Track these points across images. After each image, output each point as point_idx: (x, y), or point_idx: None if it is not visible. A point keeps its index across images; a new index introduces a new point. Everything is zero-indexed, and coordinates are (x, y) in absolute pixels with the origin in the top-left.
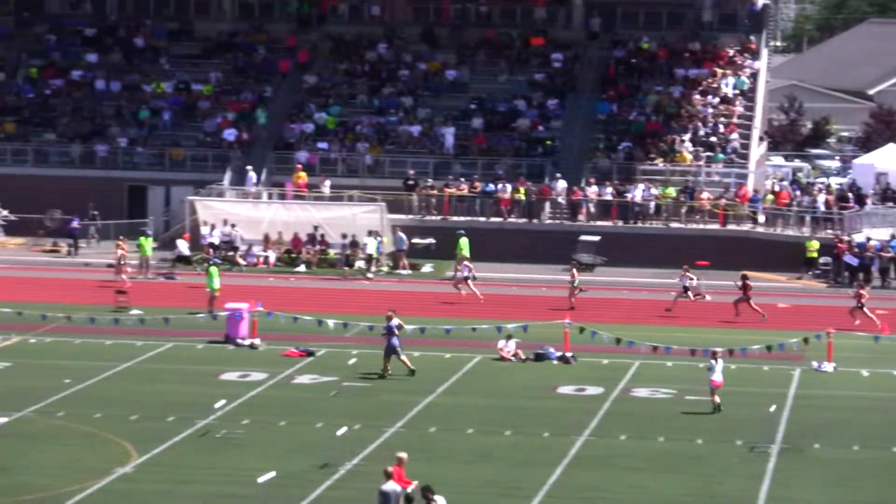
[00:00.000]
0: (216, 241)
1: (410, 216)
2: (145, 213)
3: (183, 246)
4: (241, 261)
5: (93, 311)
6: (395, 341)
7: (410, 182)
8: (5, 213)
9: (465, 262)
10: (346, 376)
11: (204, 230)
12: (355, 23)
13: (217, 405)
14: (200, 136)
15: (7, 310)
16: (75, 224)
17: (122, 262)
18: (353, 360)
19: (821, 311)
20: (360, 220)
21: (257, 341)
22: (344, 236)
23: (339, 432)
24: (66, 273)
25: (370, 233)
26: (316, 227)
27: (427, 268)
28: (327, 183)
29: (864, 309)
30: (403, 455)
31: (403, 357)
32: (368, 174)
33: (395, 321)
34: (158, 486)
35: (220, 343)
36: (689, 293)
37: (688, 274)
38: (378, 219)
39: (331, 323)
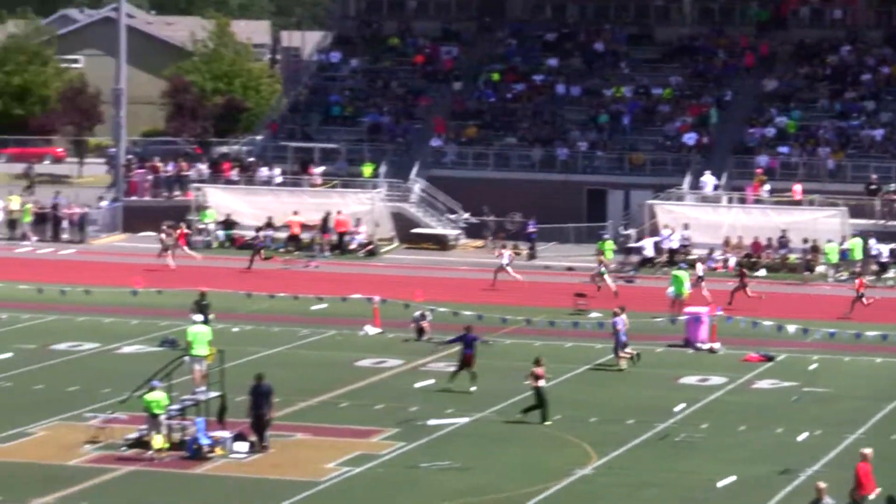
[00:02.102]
0: (675, 245)
1: (873, 221)
2: (604, 217)
3: (649, 247)
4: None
5: (552, 314)
6: (624, 337)
7: (873, 187)
8: (466, 215)
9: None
10: (805, 382)
11: (664, 232)
12: (817, 26)
13: (676, 409)
14: (660, 139)
15: (468, 313)
16: (532, 227)
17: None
18: (813, 366)
19: None
20: (820, 224)
21: (717, 345)
22: (805, 241)
23: (800, 438)
24: (526, 276)
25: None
26: (784, 231)
27: (892, 272)
28: (766, 187)
29: None
30: (868, 451)
31: (626, 351)
32: (829, 179)
33: (623, 318)
34: (618, 489)
35: (679, 347)
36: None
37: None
38: (839, 224)
39: (791, 328)
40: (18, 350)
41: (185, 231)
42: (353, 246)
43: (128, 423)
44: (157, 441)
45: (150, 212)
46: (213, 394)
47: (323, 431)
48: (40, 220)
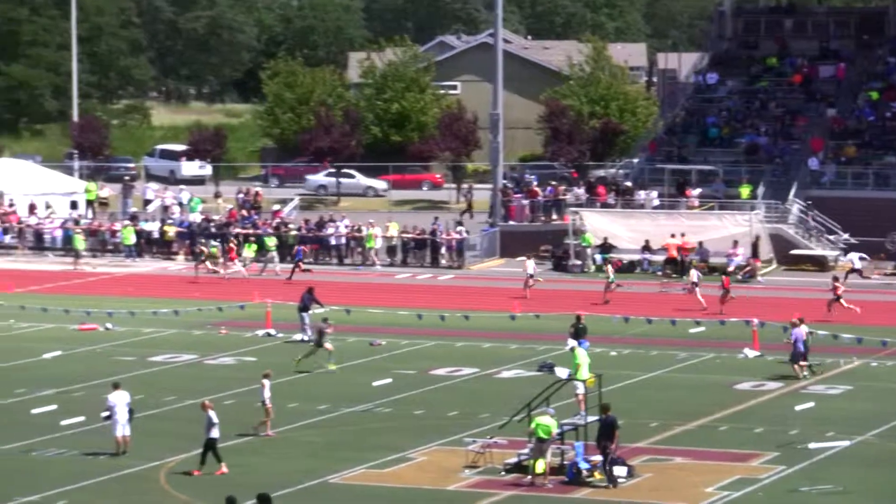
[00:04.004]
0: None
1: None
2: None
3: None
4: None
5: None
6: (801, 347)
7: None
8: (845, 235)
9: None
10: None
11: None
12: None
13: None
14: None
15: (847, 335)
16: None
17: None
18: None
19: None
20: None
21: None
22: None
23: None
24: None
25: None
26: None
27: None
28: None
29: None
30: None
31: (799, 363)
32: None
33: (802, 329)
34: None
35: None
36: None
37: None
38: None
39: None
40: (398, 375)
41: (233, 246)
42: (730, 268)
43: (507, 447)
44: (539, 466)
45: (527, 236)
46: (592, 418)
47: (702, 455)
48: (419, 245)
